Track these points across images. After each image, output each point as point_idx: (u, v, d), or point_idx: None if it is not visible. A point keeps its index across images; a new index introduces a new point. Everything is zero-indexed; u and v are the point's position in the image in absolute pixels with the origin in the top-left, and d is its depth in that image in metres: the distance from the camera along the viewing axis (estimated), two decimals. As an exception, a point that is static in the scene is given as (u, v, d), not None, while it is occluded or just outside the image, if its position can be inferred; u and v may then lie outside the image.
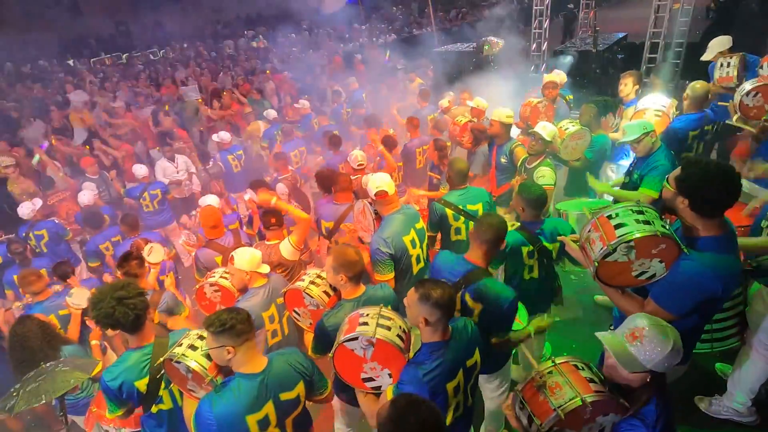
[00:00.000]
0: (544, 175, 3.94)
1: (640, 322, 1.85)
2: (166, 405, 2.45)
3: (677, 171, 2.23)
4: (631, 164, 3.99)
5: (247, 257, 2.94)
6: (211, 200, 4.46)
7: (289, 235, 3.69)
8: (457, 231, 3.67)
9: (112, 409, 2.37)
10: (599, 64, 8.78)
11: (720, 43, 5.07)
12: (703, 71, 5.55)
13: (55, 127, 8.86)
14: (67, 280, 3.86)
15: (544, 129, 4.07)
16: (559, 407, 1.86)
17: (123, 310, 2.23)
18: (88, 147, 7.37)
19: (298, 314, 2.92)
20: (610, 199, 4.08)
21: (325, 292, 2.77)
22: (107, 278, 4.41)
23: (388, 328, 2.13)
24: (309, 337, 2.81)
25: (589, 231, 2.23)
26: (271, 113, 7.82)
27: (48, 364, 2.47)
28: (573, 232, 3.03)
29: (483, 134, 4.95)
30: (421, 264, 3.37)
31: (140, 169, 5.90)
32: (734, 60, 4.70)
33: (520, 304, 2.72)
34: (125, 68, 15.01)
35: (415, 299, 2.07)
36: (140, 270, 3.35)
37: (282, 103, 9.47)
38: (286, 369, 2.19)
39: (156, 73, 13.85)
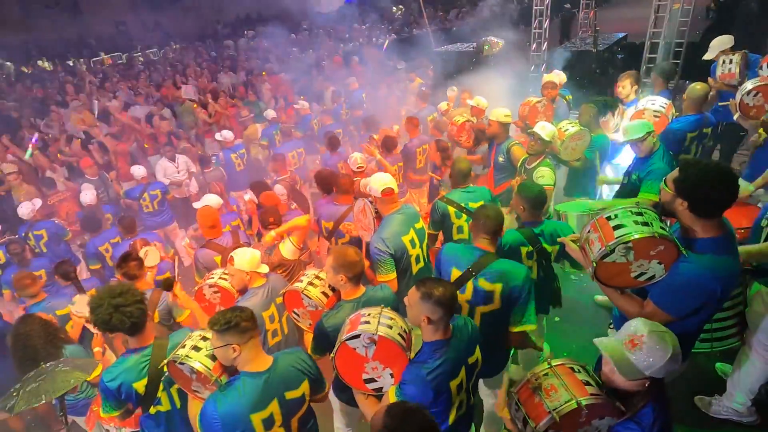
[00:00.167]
0: (544, 176, 3.94)
1: (640, 328, 1.83)
2: (165, 407, 2.45)
3: (675, 173, 2.23)
4: (630, 165, 3.99)
5: (247, 257, 2.94)
6: (210, 200, 4.46)
7: (289, 236, 3.69)
8: (459, 229, 3.67)
9: (107, 409, 2.37)
10: (599, 64, 8.78)
11: (722, 42, 5.08)
12: (704, 71, 5.55)
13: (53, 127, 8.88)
14: (69, 280, 3.87)
15: (543, 129, 4.07)
16: (554, 410, 1.85)
17: (119, 318, 2.23)
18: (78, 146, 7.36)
19: (297, 315, 2.91)
20: (610, 199, 4.08)
21: (324, 293, 2.77)
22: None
23: (390, 327, 2.13)
24: (308, 338, 2.81)
25: (588, 232, 2.24)
26: (270, 113, 7.84)
27: (48, 364, 2.47)
28: (573, 233, 3.03)
29: (483, 134, 4.96)
30: (421, 264, 3.37)
31: (139, 170, 5.91)
32: (736, 57, 4.71)
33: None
34: (125, 68, 15.01)
35: (416, 298, 2.07)
36: (139, 271, 3.34)
37: (277, 105, 9.44)
38: (291, 368, 2.19)
39: (156, 73, 13.86)
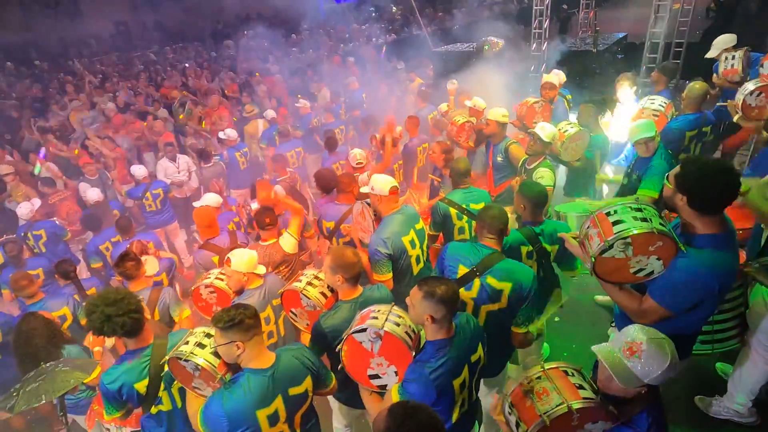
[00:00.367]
0: (543, 176, 3.93)
1: (638, 335, 1.82)
2: (166, 406, 2.45)
3: (677, 168, 2.24)
4: (629, 165, 3.99)
5: (244, 259, 2.94)
6: (210, 199, 4.47)
7: (286, 230, 3.70)
8: (461, 230, 3.67)
9: (110, 411, 2.37)
10: (599, 64, 8.78)
11: (724, 41, 5.09)
12: (704, 71, 5.56)
13: (53, 127, 8.86)
14: (69, 279, 3.87)
15: (543, 130, 4.05)
16: (544, 413, 1.85)
17: (111, 327, 2.23)
18: (76, 151, 7.34)
19: (295, 315, 2.92)
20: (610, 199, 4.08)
21: (323, 294, 2.77)
22: (114, 283, 4.42)
23: (397, 324, 2.15)
24: (305, 338, 2.81)
25: (588, 227, 2.25)
26: (270, 113, 7.84)
27: (48, 364, 2.47)
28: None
29: (484, 135, 4.96)
30: (421, 264, 3.37)
31: (140, 170, 5.91)
32: (739, 53, 4.72)
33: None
34: (125, 68, 15.00)
35: (419, 297, 2.07)
36: (137, 271, 3.34)
37: (269, 106, 9.40)
38: (294, 364, 2.20)
39: (156, 73, 13.85)
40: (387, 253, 3.09)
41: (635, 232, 2.06)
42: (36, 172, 6.40)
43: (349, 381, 2.37)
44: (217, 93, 9.61)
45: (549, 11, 9.44)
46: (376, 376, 2.22)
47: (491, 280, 2.59)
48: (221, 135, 6.77)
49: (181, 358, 2.15)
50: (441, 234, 3.80)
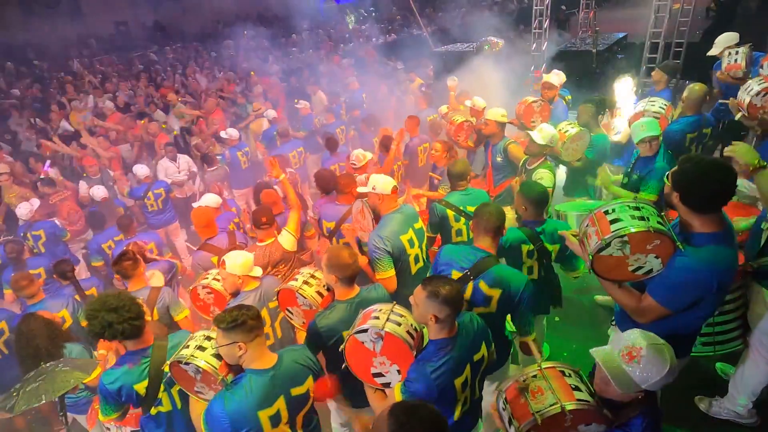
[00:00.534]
0: (543, 178, 3.93)
1: (638, 340, 1.81)
2: (165, 407, 2.45)
3: (675, 167, 2.25)
4: (629, 165, 3.98)
5: (239, 261, 2.92)
6: (209, 200, 4.48)
7: (285, 228, 3.71)
8: (458, 232, 3.67)
9: (107, 411, 2.38)
10: (599, 64, 8.77)
11: (727, 39, 5.09)
12: (704, 71, 5.56)
13: (54, 128, 8.87)
14: (67, 279, 3.87)
15: (540, 132, 4.04)
16: (537, 412, 1.86)
17: (111, 333, 2.24)
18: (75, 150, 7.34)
19: (291, 313, 2.94)
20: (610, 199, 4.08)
21: (319, 293, 2.79)
22: (116, 282, 4.42)
23: (399, 324, 2.16)
24: (301, 336, 2.81)
25: (587, 225, 2.26)
26: (271, 113, 7.85)
27: (48, 364, 2.47)
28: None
29: (483, 134, 4.96)
30: (420, 264, 3.37)
31: (141, 169, 5.93)
32: (743, 49, 4.72)
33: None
34: (125, 68, 14.99)
35: (423, 297, 2.07)
36: (133, 271, 3.35)
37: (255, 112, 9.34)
38: (296, 364, 2.21)
39: (156, 73, 13.85)
40: (385, 249, 3.09)
41: (632, 230, 2.07)
42: None
43: (345, 380, 2.38)
44: (215, 95, 9.60)
45: (549, 11, 9.43)
46: (380, 375, 2.24)
47: (483, 285, 2.59)
48: (223, 134, 6.78)
49: (182, 362, 2.15)
50: (439, 235, 3.81)
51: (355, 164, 4.78)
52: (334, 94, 9.09)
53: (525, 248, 3.05)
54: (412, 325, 2.20)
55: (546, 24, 9.38)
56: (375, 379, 2.26)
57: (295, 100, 8.19)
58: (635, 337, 1.83)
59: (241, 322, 2.02)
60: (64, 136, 8.00)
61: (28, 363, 2.80)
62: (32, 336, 2.91)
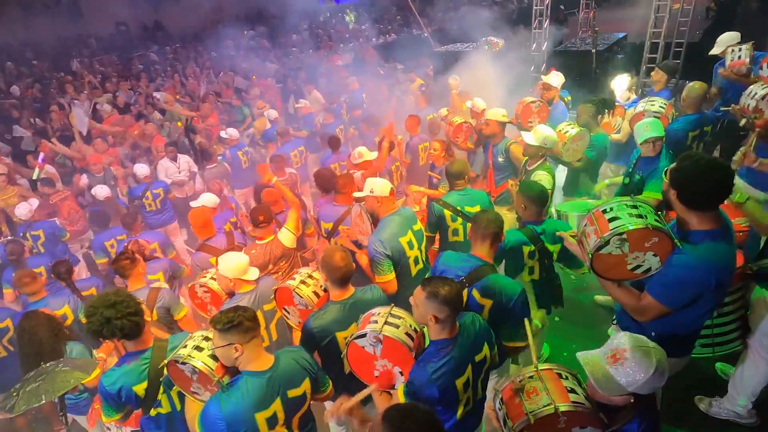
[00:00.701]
0: (541, 179, 3.92)
1: (623, 343, 1.81)
2: (165, 409, 2.45)
3: (673, 164, 2.26)
4: (630, 165, 3.98)
5: (232, 264, 2.90)
6: (206, 200, 4.48)
7: (284, 225, 3.73)
8: (455, 232, 3.68)
9: (109, 412, 2.38)
10: (599, 64, 8.77)
11: (729, 38, 5.09)
12: (704, 71, 5.55)
13: (54, 128, 8.86)
14: (63, 280, 3.87)
15: (534, 133, 4.03)
16: (530, 412, 1.86)
17: (110, 330, 2.24)
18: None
19: (288, 312, 2.95)
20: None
21: (315, 293, 2.79)
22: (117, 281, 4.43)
23: (397, 326, 2.16)
24: (297, 336, 2.82)
25: (585, 225, 2.27)
26: (272, 113, 7.85)
27: (48, 364, 2.47)
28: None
29: (483, 135, 4.97)
30: (420, 265, 3.37)
31: (141, 169, 5.93)
32: (746, 46, 4.71)
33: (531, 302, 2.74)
34: (125, 68, 14.99)
35: (422, 298, 2.07)
36: (131, 270, 3.35)
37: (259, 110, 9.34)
38: (292, 366, 2.20)
39: (156, 73, 13.85)
40: (386, 253, 3.09)
41: (630, 227, 2.08)
42: (34, 177, 6.39)
43: (338, 380, 2.41)
44: (211, 97, 9.61)
45: (549, 11, 9.43)
46: None
47: (476, 294, 2.59)
48: (223, 134, 6.79)
49: (178, 361, 2.14)
50: (438, 234, 3.81)
51: (354, 160, 4.79)
52: (333, 94, 9.08)
53: (526, 249, 3.05)
54: (411, 326, 2.20)
55: (546, 24, 9.39)
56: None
57: (297, 100, 8.21)
58: (621, 339, 1.83)
59: (237, 323, 2.01)
60: (64, 137, 8.00)
61: (30, 360, 2.80)
62: (34, 332, 2.91)
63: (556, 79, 5.62)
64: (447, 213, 3.62)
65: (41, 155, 6.57)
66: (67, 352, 2.94)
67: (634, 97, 5.24)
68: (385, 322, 2.15)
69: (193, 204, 4.42)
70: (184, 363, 2.12)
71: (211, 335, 2.14)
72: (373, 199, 3.28)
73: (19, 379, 2.42)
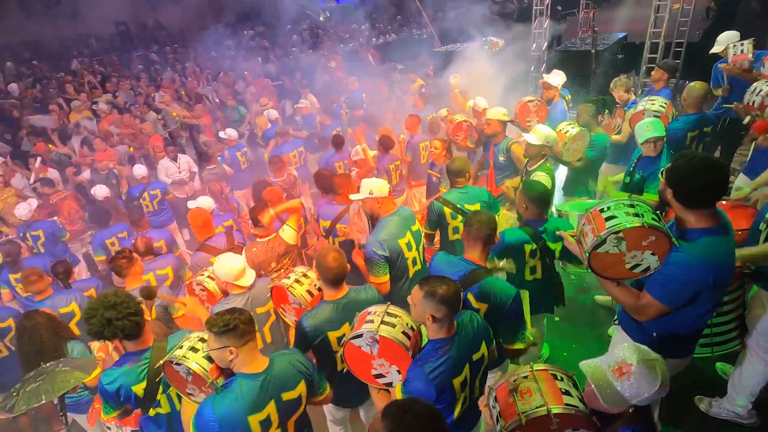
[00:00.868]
0: (540, 180, 3.93)
1: (629, 356, 1.76)
2: (164, 409, 2.45)
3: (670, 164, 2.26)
4: (631, 164, 3.98)
5: (225, 268, 2.87)
6: (203, 202, 4.48)
7: (286, 222, 3.74)
8: (455, 230, 3.67)
9: (107, 410, 2.38)
10: (599, 64, 8.77)
11: (729, 36, 5.08)
12: (704, 71, 5.55)
13: (54, 128, 8.85)
14: (60, 281, 3.87)
15: (535, 133, 4.03)
16: (522, 413, 1.86)
17: (112, 330, 2.24)
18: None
19: (284, 311, 2.98)
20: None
21: (309, 292, 2.81)
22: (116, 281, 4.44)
23: (393, 326, 2.16)
24: (293, 334, 2.82)
25: (583, 224, 2.27)
26: (273, 113, 7.86)
27: (48, 364, 2.47)
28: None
29: (485, 135, 4.97)
30: (418, 266, 3.37)
31: (139, 169, 5.94)
32: (748, 41, 4.71)
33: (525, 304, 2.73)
34: (125, 68, 14.98)
35: (420, 297, 2.07)
36: (128, 270, 3.35)
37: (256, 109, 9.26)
38: (287, 368, 2.18)
39: (156, 73, 13.84)
40: (383, 255, 3.09)
41: (627, 226, 2.08)
42: (31, 181, 6.39)
43: (331, 380, 2.42)
44: (208, 98, 9.62)
45: (549, 11, 9.44)
46: (381, 375, 2.25)
47: (471, 298, 2.58)
48: (222, 135, 6.79)
49: (173, 362, 2.13)
50: (438, 232, 3.80)
51: (353, 157, 4.86)
52: (333, 95, 9.09)
53: (528, 248, 3.05)
54: (407, 324, 2.20)
55: (546, 24, 9.39)
56: (377, 380, 2.27)
57: (297, 101, 8.23)
58: (626, 352, 1.78)
59: (233, 326, 2.00)
60: (63, 137, 8.01)
61: (31, 359, 2.79)
62: (35, 332, 2.90)
63: (556, 78, 5.62)
64: (447, 211, 3.62)
65: (39, 158, 6.57)
66: (68, 352, 2.94)
67: (632, 98, 5.23)
68: (382, 322, 2.15)
69: (190, 205, 4.43)
70: (179, 364, 2.12)
71: (207, 336, 2.14)
72: (372, 200, 3.27)
73: (19, 379, 2.43)
